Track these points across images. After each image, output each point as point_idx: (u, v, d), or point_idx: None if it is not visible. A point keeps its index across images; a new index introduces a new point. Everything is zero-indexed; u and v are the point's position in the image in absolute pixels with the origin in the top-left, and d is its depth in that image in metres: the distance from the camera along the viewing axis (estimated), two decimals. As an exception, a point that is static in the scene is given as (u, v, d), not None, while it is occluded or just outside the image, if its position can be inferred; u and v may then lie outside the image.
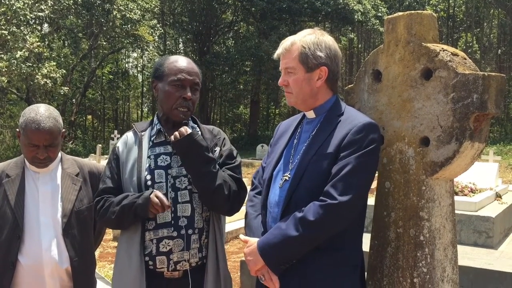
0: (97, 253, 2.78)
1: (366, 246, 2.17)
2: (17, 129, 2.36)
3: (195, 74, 2.30)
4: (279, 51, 2.10)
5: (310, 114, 2.13)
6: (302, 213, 1.90)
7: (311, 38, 2.05)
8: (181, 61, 2.31)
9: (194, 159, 2.17)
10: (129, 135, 2.39)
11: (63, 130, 2.42)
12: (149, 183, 2.23)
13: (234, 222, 7.70)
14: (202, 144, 2.18)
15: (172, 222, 2.20)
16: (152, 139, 2.32)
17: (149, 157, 2.27)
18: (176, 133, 2.18)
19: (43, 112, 2.31)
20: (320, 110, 2.10)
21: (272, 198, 2.08)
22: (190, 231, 2.21)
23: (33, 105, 2.40)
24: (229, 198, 2.20)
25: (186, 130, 2.17)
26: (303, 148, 2.06)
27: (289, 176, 2.04)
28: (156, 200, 2.09)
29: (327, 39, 2.08)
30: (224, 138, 2.40)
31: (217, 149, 2.34)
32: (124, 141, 2.37)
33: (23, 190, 2.38)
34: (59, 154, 2.50)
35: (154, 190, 2.16)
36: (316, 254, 1.93)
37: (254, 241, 2.01)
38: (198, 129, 2.38)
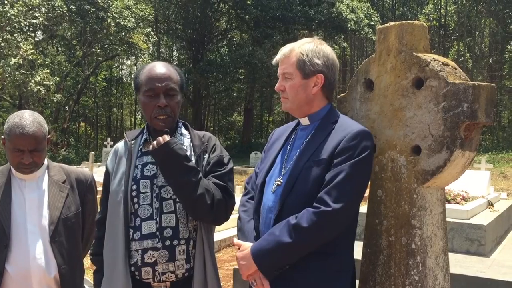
0: (86, 260, 2.75)
1: (358, 254, 2.17)
2: (2, 136, 2.34)
3: (167, 80, 2.20)
4: (278, 57, 2.14)
5: (305, 121, 2.15)
6: (296, 219, 1.90)
7: (310, 46, 2.09)
8: (152, 69, 2.22)
9: (171, 168, 2.11)
10: (119, 146, 2.36)
11: (49, 135, 2.40)
12: (134, 193, 2.20)
13: (227, 230, 7.69)
14: (180, 153, 2.11)
15: (157, 233, 2.15)
16: (140, 148, 2.29)
17: (136, 166, 2.24)
18: (154, 142, 2.14)
19: (27, 117, 2.31)
20: (314, 117, 2.12)
21: (265, 203, 2.08)
22: (175, 242, 2.16)
23: (18, 111, 2.40)
24: (212, 208, 2.12)
25: (164, 139, 2.12)
26: (297, 154, 2.07)
27: (282, 181, 2.05)
28: None
29: (326, 49, 2.12)
30: (214, 144, 2.31)
31: (206, 156, 2.28)
32: (115, 152, 2.36)
33: (10, 198, 2.35)
34: (46, 161, 2.48)
35: None
36: (308, 259, 1.93)
37: (247, 245, 2.01)
38: (189, 136, 2.33)
